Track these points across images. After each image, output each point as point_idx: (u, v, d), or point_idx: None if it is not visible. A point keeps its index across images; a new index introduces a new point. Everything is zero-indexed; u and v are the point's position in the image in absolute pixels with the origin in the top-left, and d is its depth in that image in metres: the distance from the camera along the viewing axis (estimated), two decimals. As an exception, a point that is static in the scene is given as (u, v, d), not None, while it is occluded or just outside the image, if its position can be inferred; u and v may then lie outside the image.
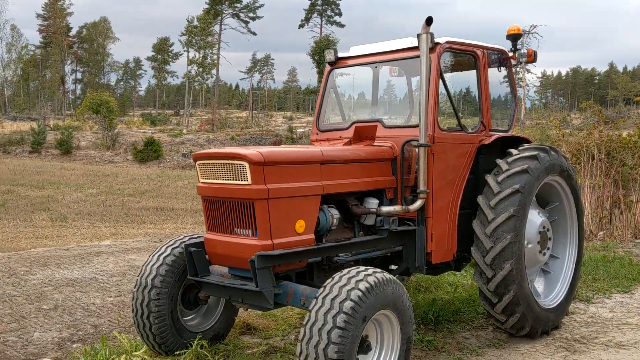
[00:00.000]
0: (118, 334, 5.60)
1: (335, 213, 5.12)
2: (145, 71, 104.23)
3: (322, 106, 6.46)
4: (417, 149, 5.36)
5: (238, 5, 75.11)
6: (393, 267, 5.89)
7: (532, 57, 6.56)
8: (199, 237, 5.24)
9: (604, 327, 6.44)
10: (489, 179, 5.80)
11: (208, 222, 4.93)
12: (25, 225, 22.01)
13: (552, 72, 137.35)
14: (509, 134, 6.49)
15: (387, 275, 4.40)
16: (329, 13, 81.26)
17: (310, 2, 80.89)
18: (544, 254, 6.27)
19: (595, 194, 13.29)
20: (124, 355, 5.33)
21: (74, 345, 5.80)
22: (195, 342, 5.21)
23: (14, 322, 6.39)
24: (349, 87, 6.60)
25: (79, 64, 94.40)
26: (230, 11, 75.20)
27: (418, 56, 5.64)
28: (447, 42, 5.74)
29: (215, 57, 69.80)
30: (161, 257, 5.23)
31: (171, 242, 5.32)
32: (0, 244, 16.54)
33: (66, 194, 28.71)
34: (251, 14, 75.96)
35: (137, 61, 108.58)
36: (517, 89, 6.74)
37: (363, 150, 5.50)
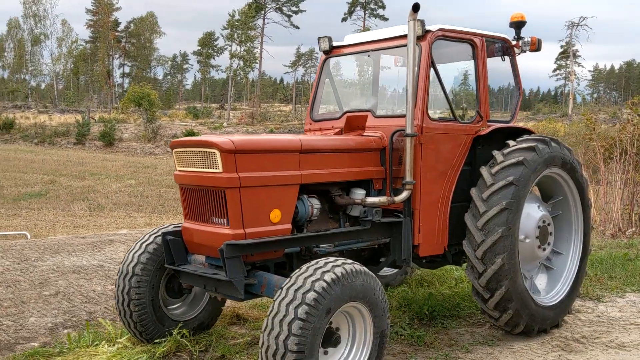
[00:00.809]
0: (103, 321, 5.64)
1: (315, 203, 5.02)
2: (192, 65, 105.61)
3: (317, 96, 6.36)
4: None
5: (281, -1, 75.38)
6: (383, 259, 5.77)
7: (535, 46, 6.30)
8: (179, 225, 5.21)
9: (609, 326, 6.17)
10: (483, 170, 5.61)
11: (185, 210, 4.91)
12: (65, 215, 22.63)
13: (605, 65, 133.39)
14: (511, 124, 6.26)
15: (358, 266, 4.28)
16: (372, 6, 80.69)
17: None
18: (544, 250, 6.03)
19: (627, 189, 12.83)
20: (108, 342, 5.37)
21: (65, 331, 5.86)
22: (176, 330, 5.20)
23: (13, 307, 6.51)
24: (345, 76, 6.47)
25: (127, 58, 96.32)
26: (273, 5, 75.55)
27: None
28: (440, 29, 5.55)
29: (257, 51, 70.19)
30: (143, 245, 5.23)
31: (155, 231, 5.32)
32: (38, 232, 17.03)
33: (106, 184, 29.36)
34: (294, 8, 76.18)
35: (184, 55, 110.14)
36: (521, 79, 6.46)
37: (348, 140, 5.38)
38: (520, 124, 6.49)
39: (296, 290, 4.01)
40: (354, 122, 5.82)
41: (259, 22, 73.29)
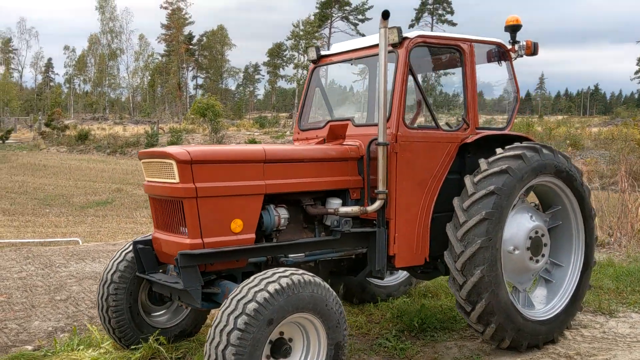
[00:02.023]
0: (90, 326, 5.83)
1: (283, 213, 5.02)
2: (263, 76, 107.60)
3: (305, 105, 6.36)
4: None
5: (347, 8, 75.69)
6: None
7: (531, 50, 6.08)
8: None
9: (612, 343, 5.84)
10: (467, 180, 5.45)
11: (154, 220, 5.02)
12: (127, 222, 23.48)
13: None
14: (506, 132, 6.06)
15: (308, 277, 4.25)
16: (440, 12, 79.77)
17: (421, 1, 79.79)
18: (537, 261, 5.78)
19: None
20: (93, 347, 5.54)
21: (62, 335, 6.09)
22: (152, 337, 5.30)
23: (22, 311, 6.82)
24: (335, 84, 6.44)
25: (200, 71, 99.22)
26: (339, 14, 75.94)
27: (390, 52, 5.45)
28: (419, 36, 5.45)
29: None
30: (123, 254, 5.38)
31: (136, 239, 5.46)
32: (101, 238, 17.76)
33: (168, 193, 30.15)
34: (360, 16, 76.28)
35: (255, 66, 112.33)
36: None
37: (319, 149, 5.36)
38: (517, 132, 6.26)
39: (238, 301, 4.03)
40: (337, 131, 5.79)
41: (325, 31, 73.87)
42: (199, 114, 47.41)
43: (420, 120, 6.58)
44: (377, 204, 5.17)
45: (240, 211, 4.73)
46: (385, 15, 4.98)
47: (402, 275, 7.26)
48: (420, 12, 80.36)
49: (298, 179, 5.08)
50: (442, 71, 7.01)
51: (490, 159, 5.50)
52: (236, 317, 3.95)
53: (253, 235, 4.80)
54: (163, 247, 4.88)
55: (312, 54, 6.25)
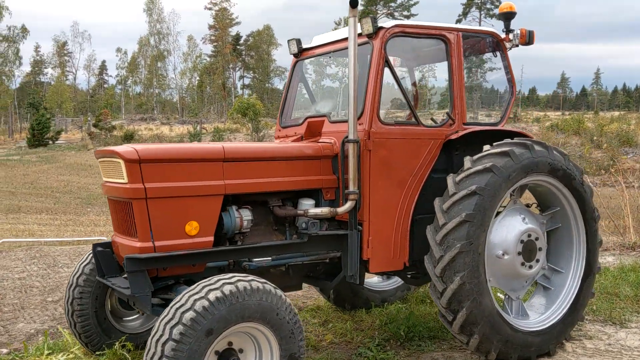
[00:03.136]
0: (63, 330, 5.69)
1: (246, 215, 4.75)
2: (311, 75, 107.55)
3: (286, 101, 6.08)
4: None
5: (393, 4, 74.87)
6: None
7: (525, 38, 5.64)
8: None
9: (615, 357, 5.35)
10: (449, 179, 5.07)
11: (112, 222, 4.83)
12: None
13: None
14: (499, 127, 5.64)
15: (256, 284, 3.97)
16: (488, 6, 78.06)
17: (468, -5, 78.28)
18: (530, 267, 5.34)
19: None
20: (63, 351, 5.41)
21: (41, 338, 5.98)
22: (118, 343, 5.12)
23: (11, 312, 6.78)
24: (317, 79, 6.13)
25: (247, 70, 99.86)
26: (384, 11, 75.13)
27: (365, 43, 5.13)
28: (396, 26, 5.10)
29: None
30: (90, 257, 5.22)
31: (96, 242, 5.29)
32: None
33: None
34: (406, 12, 75.31)
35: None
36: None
37: (287, 148, 5.07)
38: (510, 127, 5.83)
39: (177, 309, 3.78)
40: (314, 128, 5.50)
41: (370, 28, 73.00)
42: (240, 113, 47.60)
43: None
44: (348, 205, 4.86)
45: (196, 213, 4.48)
46: (354, 3, 4.65)
47: (399, 279, 6.90)
48: (467, 6, 78.81)
49: (262, 178, 4.80)
50: (434, 64, 6.61)
51: (475, 157, 5.11)
52: (172, 327, 3.71)
53: (211, 238, 4.55)
54: (120, 251, 4.68)
55: (293, 48, 5.97)
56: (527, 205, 5.82)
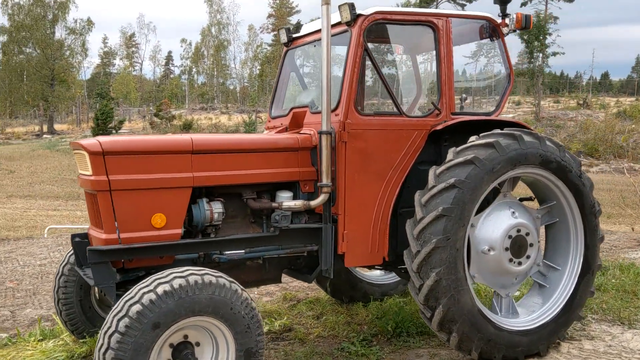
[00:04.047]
0: (55, 316, 5.83)
1: (217, 207, 4.71)
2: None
3: (277, 91, 6.00)
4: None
5: (454, -11, 73.09)
6: None
7: (520, 23, 5.35)
8: None
9: (613, 359, 5.07)
10: (430, 171, 4.89)
11: (88, 214, 4.89)
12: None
13: None
14: (492, 117, 5.39)
15: (209, 278, 3.94)
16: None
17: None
18: (519, 264, 5.10)
19: None
20: (53, 339, 5.55)
21: (43, 324, 6.17)
22: (100, 331, 5.19)
23: (22, 298, 7.02)
24: (306, 67, 6.00)
25: (307, 59, 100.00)
26: (446, -5, 73.42)
27: (345, 31, 5.00)
28: (377, 12, 4.93)
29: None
30: (75, 246, 5.31)
31: (74, 233, 5.37)
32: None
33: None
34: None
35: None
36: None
37: (260, 139, 4.99)
38: (508, 116, 5.56)
39: (126, 302, 3.80)
40: (298, 119, 5.42)
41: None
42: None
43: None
44: (321, 198, 4.76)
45: (163, 205, 4.48)
46: None
47: (401, 273, 6.74)
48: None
49: (234, 171, 4.75)
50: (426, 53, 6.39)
51: (459, 148, 4.90)
52: (119, 320, 3.73)
53: (179, 231, 4.54)
54: (92, 242, 4.73)
55: (283, 37, 5.88)
56: (525, 199, 5.57)
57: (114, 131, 51.07)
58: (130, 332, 3.68)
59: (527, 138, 4.95)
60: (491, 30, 5.50)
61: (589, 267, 5.32)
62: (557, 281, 5.35)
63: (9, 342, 5.52)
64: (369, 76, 5.77)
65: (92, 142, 4.34)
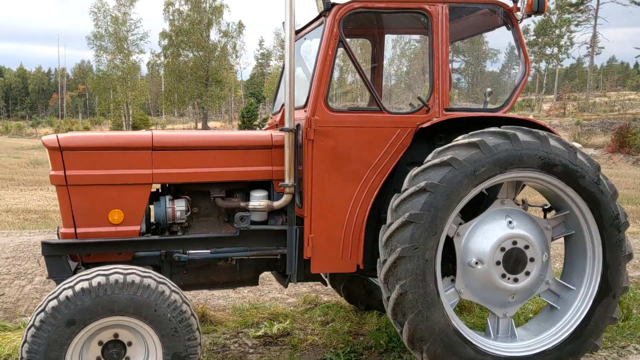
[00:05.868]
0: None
1: (180, 205, 4.60)
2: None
3: (280, 86, 5.75)
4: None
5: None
6: None
7: (531, 8, 4.65)
8: None
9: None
10: (409, 173, 4.41)
11: None
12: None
13: None
14: (499, 114, 4.75)
15: (132, 278, 3.84)
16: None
17: None
18: (515, 281, 4.45)
19: None
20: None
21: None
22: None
23: (40, 284, 7.31)
24: (305, 62, 5.66)
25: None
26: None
27: (321, 23, 4.70)
28: (354, 1, 4.52)
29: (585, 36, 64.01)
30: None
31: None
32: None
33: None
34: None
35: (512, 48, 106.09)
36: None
37: (229, 136, 4.79)
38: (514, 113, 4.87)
39: (47, 297, 3.82)
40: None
41: (592, 3, 66.52)
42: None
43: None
44: (284, 199, 4.49)
45: (120, 201, 4.45)
46: None
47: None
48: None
49: (197, 168, 4.60)
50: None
51: (440, 148, 4.37)
52: (37, 314, 3.76)
53: (137, 228, 4.48)
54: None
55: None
56: (543, 207, 4.88)
57: (258, 128, 53.36)
58: (44, 327, 3.70)
59: (523, 137, 4.29)
60: (504, 17, 4.85)
61: (609, 288, 4.52)
62: (570, 303, 4.61)
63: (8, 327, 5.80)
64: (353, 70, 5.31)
65: (51, 138, 4.41)
